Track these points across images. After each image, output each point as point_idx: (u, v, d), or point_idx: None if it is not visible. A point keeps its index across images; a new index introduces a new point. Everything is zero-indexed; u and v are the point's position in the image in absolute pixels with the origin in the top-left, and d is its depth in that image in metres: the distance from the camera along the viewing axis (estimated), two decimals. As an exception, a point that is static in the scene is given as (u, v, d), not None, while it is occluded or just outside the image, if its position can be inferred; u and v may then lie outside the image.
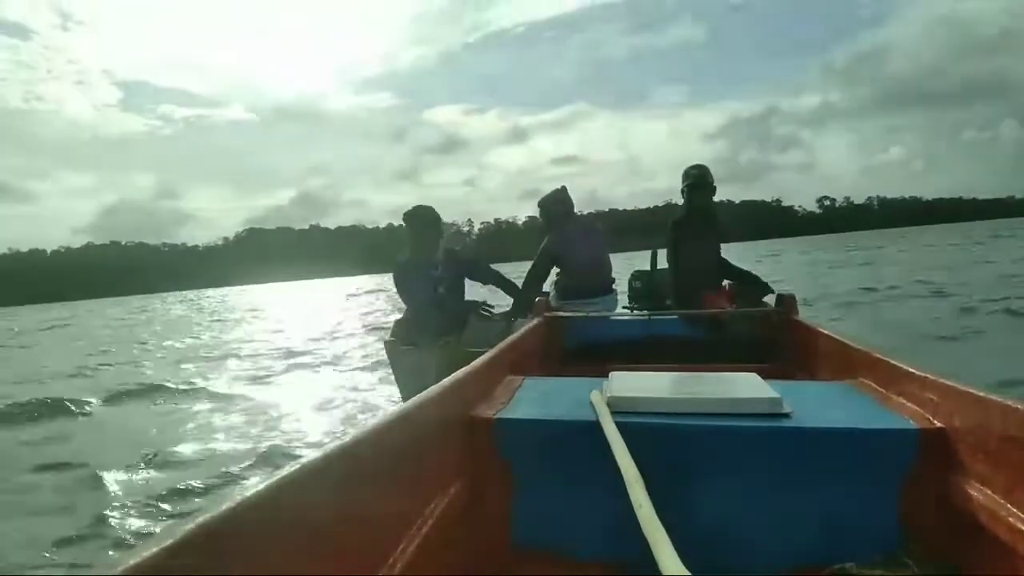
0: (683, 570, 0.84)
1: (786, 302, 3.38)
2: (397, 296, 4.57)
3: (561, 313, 3.80)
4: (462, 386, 1.67)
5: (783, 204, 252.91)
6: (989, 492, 1.20)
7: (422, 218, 4.35)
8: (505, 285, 4.57)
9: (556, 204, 4.71)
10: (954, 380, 1.43)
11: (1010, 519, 1.11)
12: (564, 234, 4.54)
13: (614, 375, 1.77)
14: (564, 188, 4.82)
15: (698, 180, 4.06)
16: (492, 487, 1.55)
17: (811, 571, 1.31)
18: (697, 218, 4.04)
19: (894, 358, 1.76)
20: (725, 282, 4.14)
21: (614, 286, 4.72)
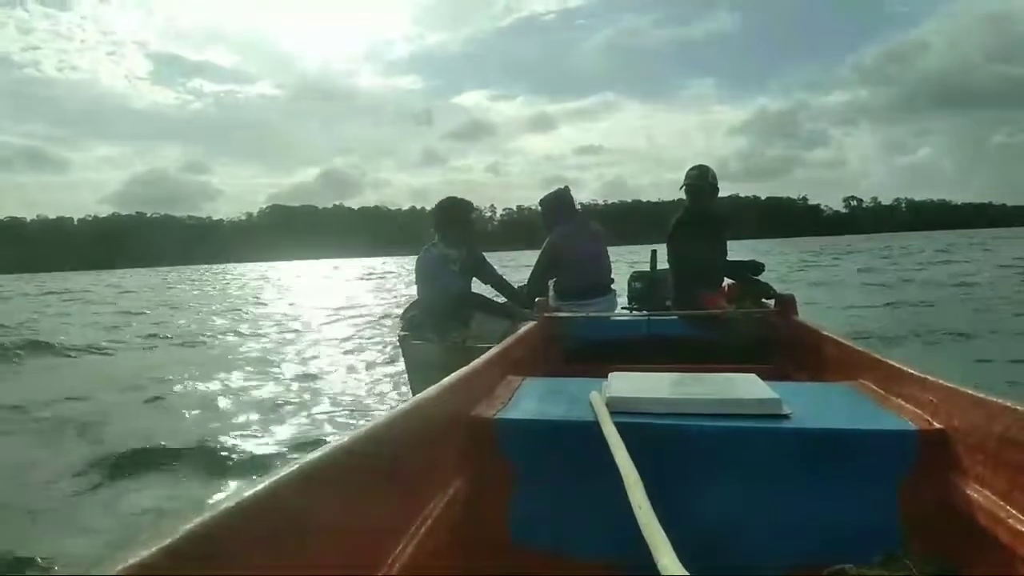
0: (682, 570, 0.84)
1: (786, 303, 3.38)
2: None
3: (561, 313, 3.82)
4: (462, 386, 1.67)
5: (809, 202, 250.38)
6: (988, 493, 1.19)
7: (454, 212, 4.28)
8: (506, 289, 4.54)
9: (557, 203, 4.73)
10: (953, 381, 1.43)
11: (1009, 520, 1.11)
12: (564, 234, 4.55)
13: (613, 375, 1.77)
14: (567, 188, 4.83)
15: (696, 181, 4.07)
16: (492, 487, 1.55)
17: (811, 572, 1.30)
18: (697, 218, 4.05)
19: (893, 359, 1.77)
20: (725, 282, 4.16)
21: (612, 286, 4.72)
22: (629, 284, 5.22)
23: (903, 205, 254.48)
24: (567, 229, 4.57)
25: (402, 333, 4.32)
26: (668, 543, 0.91)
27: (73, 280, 55.29)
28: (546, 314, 3.61)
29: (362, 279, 33.11)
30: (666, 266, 4.27)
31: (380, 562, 1.09)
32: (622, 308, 4.80)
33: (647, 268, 5.27)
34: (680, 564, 0.85)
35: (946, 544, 1.29)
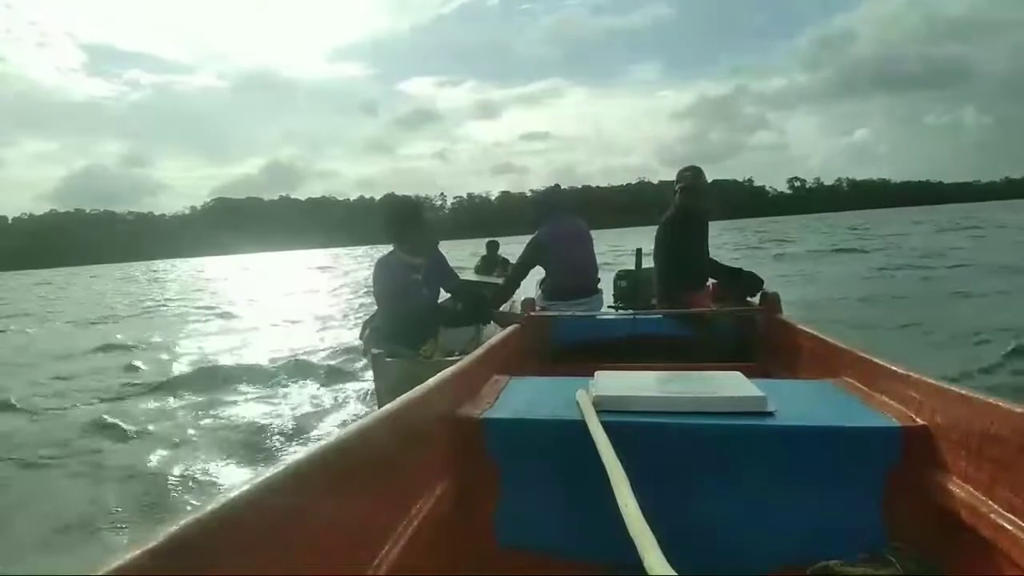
0: (668, 569, 0.84)
1: (770, 301, 3.39)
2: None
3: (547, 313, 3.79)
4: (448, 386, 1.66)
5: (755, 184, 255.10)
6: (971, 489, 1.21)
7: (406, 216, 3.99)
8: (472, 296, 4.34)
9: (548, 201, 4.68)
10: (936, 378, 1.44)
11: (991, 516, 1.13)
12: (554, 232, 4.49)
13: (600, 375, 1.76)
14: (558, 185, 4.82)
15: (692, 182, 4.03)
16: (478, 487, 1.55)
17: (796, 569, 1.32)
18: (688, 218, 4.02)
19: (877, 357, 1.78)
20: (710, 281, 4.13)
21: (599, 286, 4.68)
22: (615, 283, 5.24)
23: (845, 185, 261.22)
24: (555, 228, 4.51)
25: (375, 351, 4.03)
26: (654, 541, 0.91)
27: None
28: (532, 313, 3.59)
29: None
30: (651, 265, 4.24)
31: (366, 563, 1.09)
32: (608, 307, 4.78)
33: (631, 267, 5.25)
34: (666, 562, 0.85)
35: (929, 540, 1.31)
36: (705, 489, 1.47)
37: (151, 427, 5.32)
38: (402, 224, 3.93)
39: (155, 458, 4.53)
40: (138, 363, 8.38)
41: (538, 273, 4.65)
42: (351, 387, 6.12)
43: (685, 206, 4.00)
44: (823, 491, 1.43)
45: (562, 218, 4.59)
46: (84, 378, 7.70)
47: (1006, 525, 1.10)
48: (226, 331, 11.68)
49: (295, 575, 0.89)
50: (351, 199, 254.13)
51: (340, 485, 1.06)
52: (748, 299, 3.77)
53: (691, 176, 4.04)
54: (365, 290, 15.57)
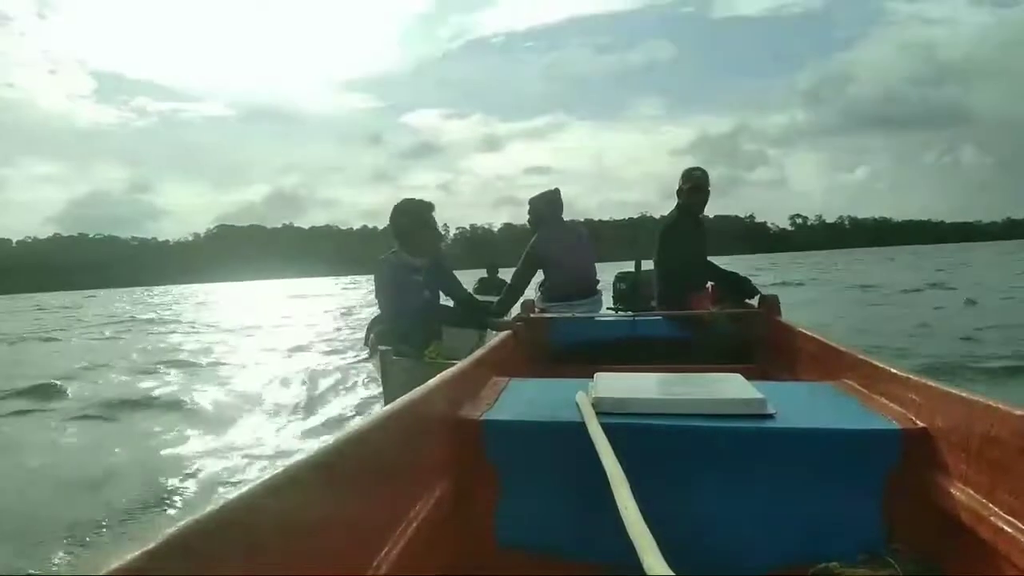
0: (667, 570, 0.84)
1: (769, 303, 3.42)
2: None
3: (547, 314, 3.80)
4: (448, 388, 1.67)
5: (756, 220, 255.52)
6: (971, 491, 1.21)
7: (413, 216, 3.99)
8: (471, 303, 4.35)
9: (547, 204, 4.68)
10: (936, 381, 1.46)
11: (991, 518, 1.13)
12: (553, 235, 4.53)
13: (599, 376, 1.78)
14: (557, 190, 4.79)
15: (702, 182, 4.05)
16: (478, 488, 1.55)
17: (796, 571, 1.32)
18: (689, 219, 4.06)
19: (876, 359, 1.79)
20: (709, 284, 4.15)
21: (599, 287, 4.71)
22: (614, 285, 5.27)
23: (846, 222, 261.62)
24: (553, 231, 4.55)
25: (382, 348, 3.97)
26: (654, 543, 0.91)
27: None
28: (531, 315, 3.61)
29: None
30: (650, 267, 4.27)
31: (366, 564, 1.09)
32: (607, 308, 4.81)
33: (631, 270, 5.33)
34: (666, 564, 0.86)
35: (929, 542, 1.31)
36: (705, 491, 1.48)
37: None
38: (407, 222, 3.95)
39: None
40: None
41: (538, 276, 4.65)
42: (354, 388, 6.33)
43: (688, 206, 4.02)
44: (823, 493, 1.43)
45: (561, 222, 4.63)
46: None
47: (1005, 527, 1.09)
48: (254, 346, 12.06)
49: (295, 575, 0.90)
50: (354, 228, 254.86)
51: (340, 486, 1.06)
52: (747, 301, 3.78)
53: (700, 176, 4.05)
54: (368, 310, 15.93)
